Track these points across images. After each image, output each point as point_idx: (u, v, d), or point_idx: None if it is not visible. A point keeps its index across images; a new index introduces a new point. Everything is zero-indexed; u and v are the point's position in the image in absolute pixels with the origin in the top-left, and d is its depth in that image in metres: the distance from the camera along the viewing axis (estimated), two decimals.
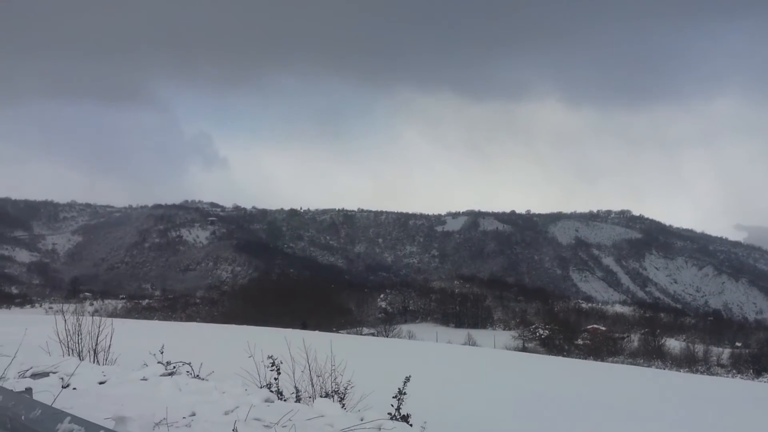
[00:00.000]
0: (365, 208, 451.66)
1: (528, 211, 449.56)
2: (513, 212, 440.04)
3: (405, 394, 9.66)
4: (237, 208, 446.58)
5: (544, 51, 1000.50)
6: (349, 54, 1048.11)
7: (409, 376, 10.15)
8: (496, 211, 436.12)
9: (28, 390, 5.92)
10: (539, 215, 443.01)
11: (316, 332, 45.92)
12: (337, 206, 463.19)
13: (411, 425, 8.86)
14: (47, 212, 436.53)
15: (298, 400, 10.98)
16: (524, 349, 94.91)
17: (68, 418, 4.59)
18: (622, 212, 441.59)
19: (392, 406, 9.44)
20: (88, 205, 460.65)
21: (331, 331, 74.67)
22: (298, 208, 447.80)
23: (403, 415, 9.36)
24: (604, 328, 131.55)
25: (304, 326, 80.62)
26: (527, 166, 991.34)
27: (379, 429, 7.74)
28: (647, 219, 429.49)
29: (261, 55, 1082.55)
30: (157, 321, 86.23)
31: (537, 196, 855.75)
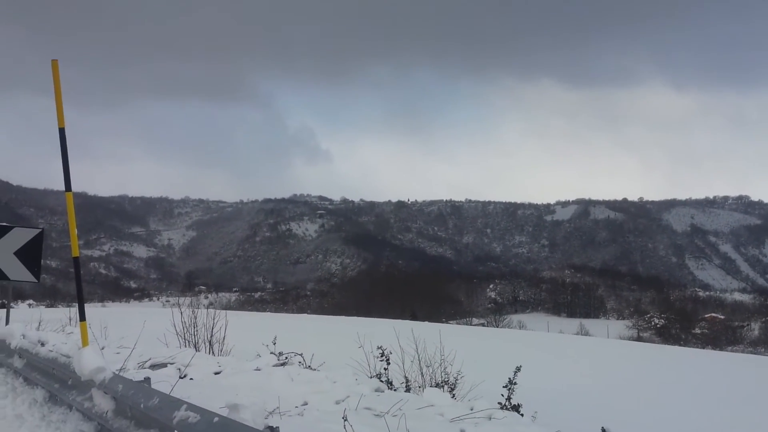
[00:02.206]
0: (473, 199, 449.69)
1: (641, 198, 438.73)
2: (625, 200, 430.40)
3: (515, 384, 9.53)
4: (345, 200, 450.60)
5: (646, 34, 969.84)
6: (446, 43, 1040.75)
7: (520, 366, 10.02)
8: (606, 198, 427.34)
9: (147, 379, 6.07)
10: (652, 202, 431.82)
11: (426, 323, 45.92)
12: (445, 197, 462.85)
13: (522, 415, 8.74)
14: (162, 208, 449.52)
15: (407, 389, 10.98)
16: (639, 339, 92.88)
17: (185, 406, 4.69)
18: (740, 198, 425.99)
19: (502, 396, 9.34)
20: (201, 201, 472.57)
21: (440, 321, 74.55)
22: (406, 200, 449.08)
23: (514, 405, 9.25)
24: (722, 317, 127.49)
25: (413, 317, 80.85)
26: (635, 153, 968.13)
27: (490, 418, 7.65)
28: (766, 204, 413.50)
29: (358, 47, 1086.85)
30: (268, 313, 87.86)
31: (647, 183, 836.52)
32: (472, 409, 7.91)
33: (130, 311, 57.44)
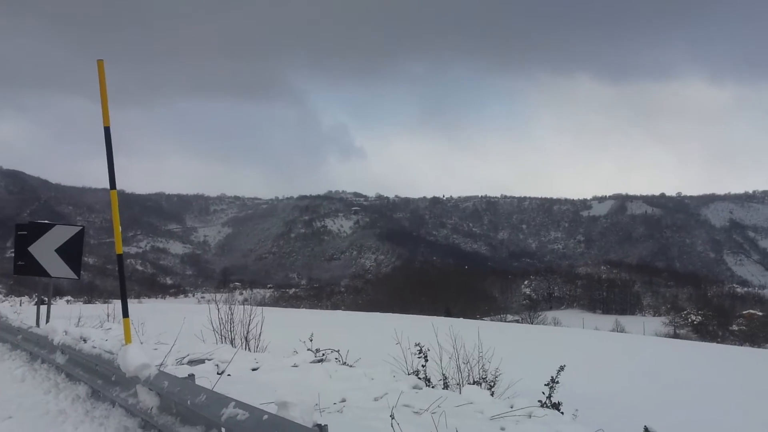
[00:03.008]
0: (508, 195, 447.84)
1: (678, 193, 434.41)
2: (662, 195, 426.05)
3: (558, 382, 9.47)
4: (380, 197, 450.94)
5: (683, 27, 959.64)
6: (482, 39, 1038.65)
7: (563, 366, 9.96)
8: (644, 194, 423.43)
9: (191, 376, 6.10)
10: (690, 197, 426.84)
11: (461, 319, 45.83)
12: (480, 193, 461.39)
13: (562, 413, 8.69)
14: (198, 206, 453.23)
15: (446, 387, 10.95)
16: (676, 336, 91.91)
17: (233, 403, 4.71)
18: None
19: (543, 393, 9.29)
20: (236, 198, 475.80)
21: (474, 318, 74.43)
22: (441, 196, 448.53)
23: (554, 403, 9.20)
24: (761, 314, 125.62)
25: (448, 313, 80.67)
26: (672, 147, 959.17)
27: (530, 416, 7.61)
28: None
29: (392, 44, 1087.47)
30: (303, 309, 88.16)
31: (685, 178, 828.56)
32: (512, 407, 7.89)
33: (166, 307, 57.96)
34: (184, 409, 5.56)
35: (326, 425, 4.06)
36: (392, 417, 6.16)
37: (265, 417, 4.22)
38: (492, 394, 9.90)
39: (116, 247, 9.08)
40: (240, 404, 4.67)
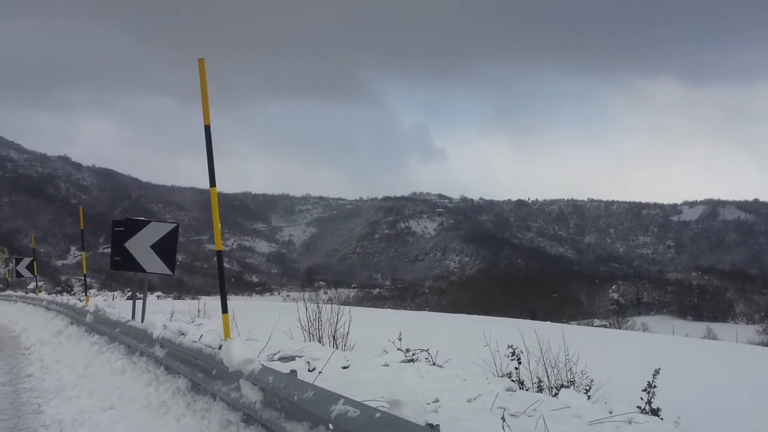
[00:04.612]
0: (595, 198, 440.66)
1: None
2: (756, 200, 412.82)
3: (655, 387, 9.27)
4: (464, 199, 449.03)
5: None
6: (563, 40, 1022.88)
7: (659, 369, 9.75)
8: (736, 199, 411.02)
9: (293, 372, 6.14)
10: None
11: (547, 323, 45.27)
12: (566, 196, 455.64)
13: (662, 419, 8.50)
14: (284, 205, 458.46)
15: (539, 389, 10.85)
16: None
17: (342, 400, 4.68)
18: None
19: (642, 399, 9.09)
20: (321, 198, 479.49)
21: (560, 321, 73.45)
22: (526, 199, 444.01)
23: (653, 409, 9.00)
24: None
25: (533, 316, 79.83)
26: (762, 152, 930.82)
27: (630, 422, 7.46)
28: None
29: (471, 44, 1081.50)
30: (388, 309, 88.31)
31: None
32: (611, 413, 7.74)
33: (253, 305, 58.72)
34: (289, 405, 5.57)
35: (438, 425, 4.02)
36: (503, 419, 6.10)
37: (378, 415, 4.18)
38: (589, 398, 9.76)
39: (216, 243, 9.23)
40: (350, 401, 4.64)
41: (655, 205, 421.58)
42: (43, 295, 32.12)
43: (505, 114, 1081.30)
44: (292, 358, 11.53)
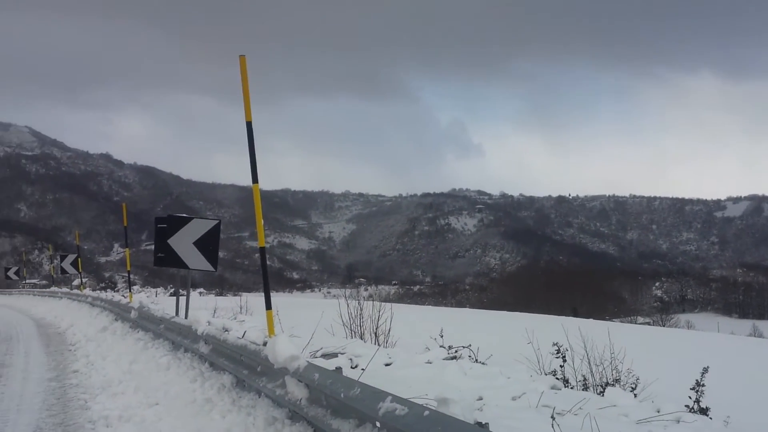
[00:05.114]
0: (637, 194, 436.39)
1: None
2: None
3: (704, 386, 9.13)
4: (504, 195, 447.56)
5: None
6: (598, 33, 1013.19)
7: (707, 367, 9.60)
8: None
9: (339, 369, 6.12)
10: None
11: (590, 320, 44.94)
12: (607, 192, 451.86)
13: (711, 419, 8.36)
14: (323, 202, 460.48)
15: (585, 388, 10.75)
16: None
17: (389, 398, 4.64)
18: None
19: (690, 398, 8.97)
20: (360, 195, 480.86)
21: (602, 319, 72.87)
22: (566, 195, 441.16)
23: (702, 408, 8.87)
24: None
25: (575, 314, 79.30)
26: None
27: (678, 421, 7.35)
28: None
29: (506, 39, 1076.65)
30: (429, 306, 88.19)
31: None
32: (658, 411, 7.64)
33: (294, 301, 58.95)
34: (335, 402, 5.56)
35: (487, 423, 3.98)
36: (553, 418, 6.04)
37: (426, 413, 4.15)
38: (635, 397, 9.64)
39: (259, 240, 9.24)
40: (397, 399, 4.60)
41: (698, 201, 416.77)
42: (87, 291, 32.47)
43: (542, 109, 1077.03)
44: (334, 355, 11.54)
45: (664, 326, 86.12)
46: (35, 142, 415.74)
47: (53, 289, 43.51)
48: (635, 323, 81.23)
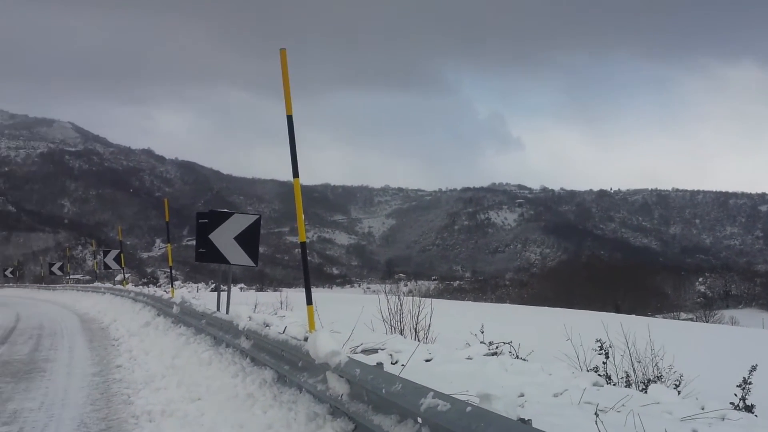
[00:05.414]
0: (680, 188, 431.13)
1: None
2: None
3: (751, 383, 8.99)
4: (544, 189, 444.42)
5: None
6: (637, 23, 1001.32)
7: (756, 365, 9.45)
8: None
9: (380, 365, 6.12)
10: None
11: (632, 316, 44.57)
12: (649, 186, 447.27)
13: (756, 416, 8.24)
14: (363, 197, 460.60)
15: (627, 385, 10.65)
16: None
17: (431, 393, 4.62)
18: None
19: (735, 395, 8.83)
20: (400, 190, 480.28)
21: (645, 315, 72.23)
22: (608, 189, 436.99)
23: (747, 406, 8.74)
24: None
25: (617, 309, 78.70)
26: None
27: (723, 419, 7.25)
28: None
29: (545, 30, 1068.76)
30: (468, 302, 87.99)
31: None
32: (702, 409, 7.54)
33: (334, 297, 59.15)
34: (377, 398, 5.57)
35: (530, 420, 3.95)
36: (596, 415, 5.97)
37: (469, 409, 4.12)
38: (678, 394, 9.54)
39: (299, 235, 9.28)
40: (439, 394, 4.58)
41: (742, 195, 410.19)
42: (130, 286, 32.86)
43: (582, 101, 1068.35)
44: (374, 351, 11.54)
45: (707, 322, 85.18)
46: (78, 137, 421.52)
47: (96, 284, 44.10)
48: (678, 319, 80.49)
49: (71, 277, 65.37)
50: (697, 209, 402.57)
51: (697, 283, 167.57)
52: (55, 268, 62.91)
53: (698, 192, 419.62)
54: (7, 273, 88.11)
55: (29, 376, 11.82)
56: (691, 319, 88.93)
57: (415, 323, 16.04)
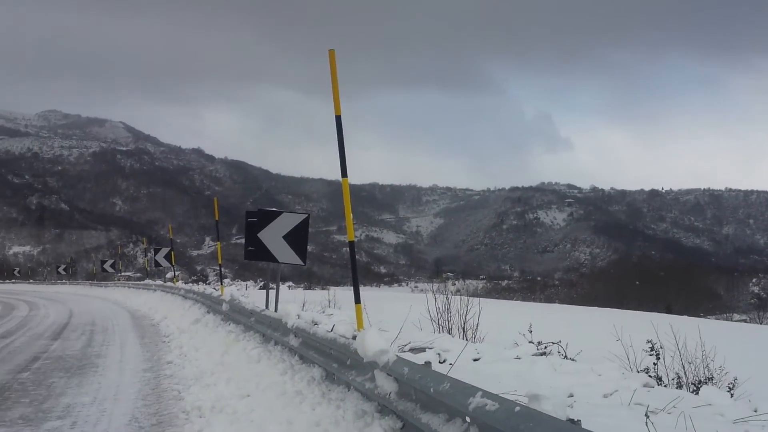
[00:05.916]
0: (733, 188, 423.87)
1: None
2: None
3: None
4: (594, 189, 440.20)
5: None
6: (686, 22, 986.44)
7: None
8: None
9: (428, 363, 6.12)
10: None
11: (684, 317, 44.03)
12: (701, 186, 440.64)
13: None
14: (411, 196, 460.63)
15: (678, 386, 10.53)
16: None
17: (480, 393, 4.60)
18: None
19: None
20: (448, 189, 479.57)
21: (697, 316, 71.26)
22: (659, 189, 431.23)
23: None
24: None
25: (669, 310, 77.69)
26: None
27: None
28: None
29: (593, 29, 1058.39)
30: (517, 301, 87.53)
31: None
32: (755, 411, 7.43)
33: (381, 295, 59.25)
34: (425, 396, 5.55)
35: (579, 420, 3.93)
36: (647, 416, 5.93)
37: (517, 409, 4.09)
38: (731, 396, 9.40)
39: (348, 234, 9.31)
40: (488, 394, 4.56)
41: None
42: (180, 284, 33.20)
43: (631, 100, 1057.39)
44: (422, 350, 11.55)
45: (761, 324, 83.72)
46: (130, 137, 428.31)
47: (147, 281, 44.64)
48: (731, 320, 79.21)
49: (122, 274, 66.29)
50: (750, 209, 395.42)
51: (750, 284, 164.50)
52: (106, 266, 63.80)
53: (752, 192, 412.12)
54: (60, 270, 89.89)
55: (82, 372, 12.00)
56: (745, 321, 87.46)
57: (463, 322, 15.99)
